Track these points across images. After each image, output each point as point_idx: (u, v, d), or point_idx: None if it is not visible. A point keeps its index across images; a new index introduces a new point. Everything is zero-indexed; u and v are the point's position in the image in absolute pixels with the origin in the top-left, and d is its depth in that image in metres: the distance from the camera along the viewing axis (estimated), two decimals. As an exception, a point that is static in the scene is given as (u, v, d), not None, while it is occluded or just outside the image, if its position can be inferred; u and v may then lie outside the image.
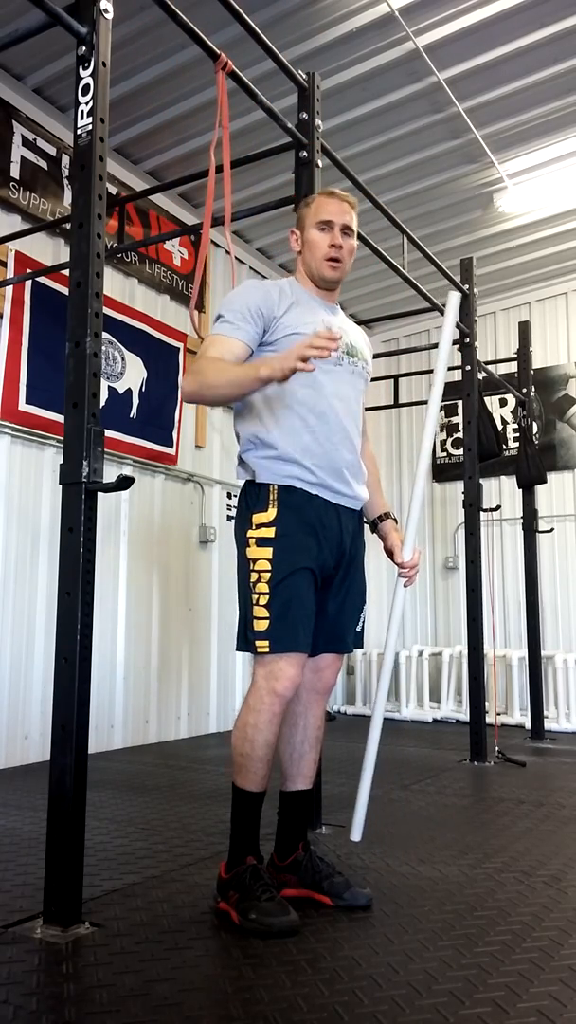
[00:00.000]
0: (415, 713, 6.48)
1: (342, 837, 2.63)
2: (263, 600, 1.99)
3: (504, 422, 7.00)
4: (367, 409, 2.40)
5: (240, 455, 2.16)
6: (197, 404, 5.33)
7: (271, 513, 2.04)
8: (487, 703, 4.68)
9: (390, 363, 7.19)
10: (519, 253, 6.44)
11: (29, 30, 2.32)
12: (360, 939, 1.86)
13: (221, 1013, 1.49)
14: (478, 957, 1.76)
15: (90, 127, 2.11)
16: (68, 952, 1.76)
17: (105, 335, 4.62)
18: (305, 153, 3.08)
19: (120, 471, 4.94)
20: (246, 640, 2.03)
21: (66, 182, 4.71)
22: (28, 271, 4.28)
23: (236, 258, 6.06)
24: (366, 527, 2.32)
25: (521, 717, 5.97)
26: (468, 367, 4.67)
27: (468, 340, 4.69)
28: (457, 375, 4.60)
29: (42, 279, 4.40)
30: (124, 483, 1.96)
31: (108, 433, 4.14)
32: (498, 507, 5.20)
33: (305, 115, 3.11)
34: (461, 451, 4.76)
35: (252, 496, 2.08)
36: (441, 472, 7.31)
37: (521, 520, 5.68)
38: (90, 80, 2.12)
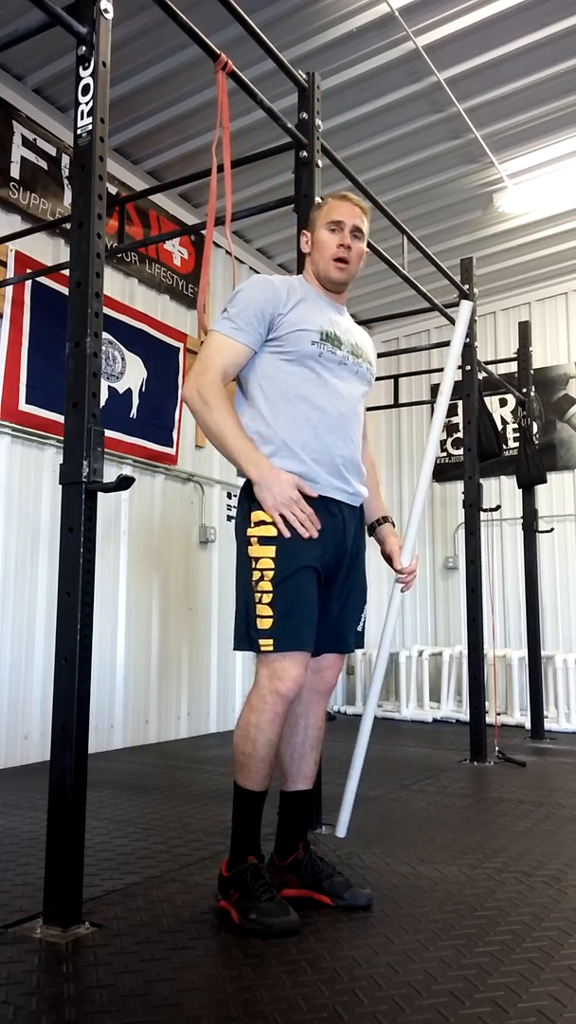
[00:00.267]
0: (415, 713, 6.48)
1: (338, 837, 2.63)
2: (267, 599, 1.98)
3: (504, 422, 7.01)
4: (366, 410, 2.40)
5: None
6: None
7: None
8: (487, 703, 4.68)
9: (390, 363, 7.20)
10: (519, 253, 6.45)
11: (29, 30, 2.32)
12: (360, 939, 1.86)
13: (221, 1013, 1.49)
14: (478, 957, 1.76)
15: (90, 127, 2.11)
16: (68, 952, 1.76)
17: (105, 335, 4.62)
18: (305, 153, 3.08)
19: (120, 471, 4.94)
20: (248, 639, 2.02)
21: (66, 182, 4.71)
22: (28, 271, 4.28)
23: (236, 258, 6.06)
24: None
25: (521, 717, 5.97)
26: (468, 367, 4.67)
27: (468, 340, 4.69)
28: (457, 375, 4.59)
29: (42, 279, 4.40)
30: (124, 483, 1.96)
31: (108, 433, 4.14)
32: (498, 507, 5.20)
33: (305, 115, 3.11)
34: (461, 451, 4.76)
35: (253, 494, 2.08)
36: (441, 472, 7.31)
37: (521, 520, 5.68)
38: (90, 80, 2.12)
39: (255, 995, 1.56)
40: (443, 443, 7.36)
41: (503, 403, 7.07)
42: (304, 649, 2.00)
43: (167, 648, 5.24)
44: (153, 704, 5.08)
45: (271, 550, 2.00)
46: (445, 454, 7.34)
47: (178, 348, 5.41)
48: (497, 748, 4.50)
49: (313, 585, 2.04)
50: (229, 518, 5.82)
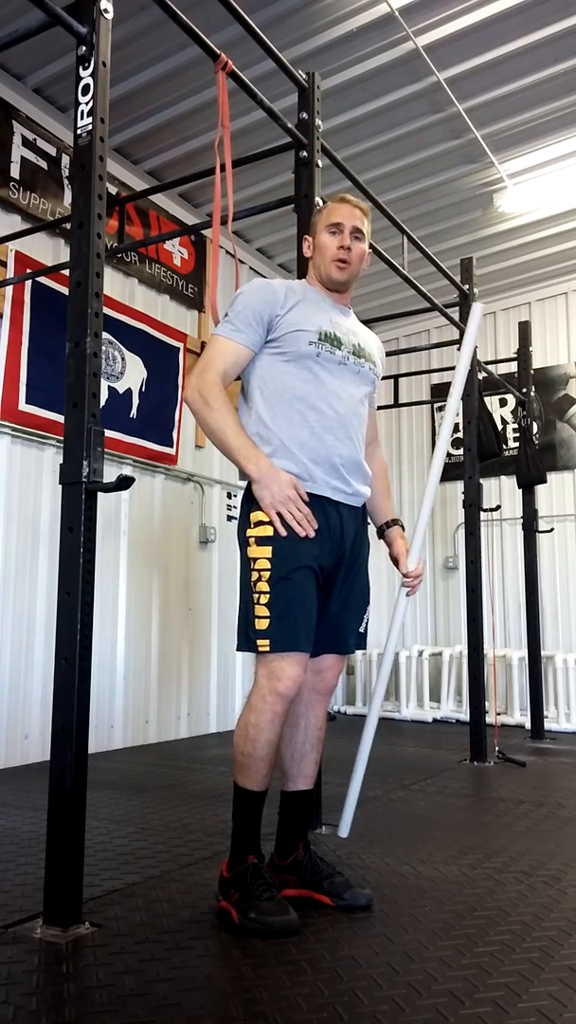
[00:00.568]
0: (415, 713, 6.48)
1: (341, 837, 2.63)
2: (264, 599, 1.99)
3: (504, 422, 7.00)
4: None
5: None
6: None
7: None
8: (487, 703, 4.68)
9: (390, 363, 7.07)
10: (519, 253, 6.44)
11: (29, 30, 2.32)
12: (360, 939, 1.86)
13: (221, 1013, 1.49)
14: (478, 957, 1.76)
15: (90, 127, 2.11)
16: (68, 952, 1.76)
17: (105, 335, 4.62)
18: (305, 153, 3.08)
19: (120, 471, 4.94)
20: (247, 639, 2.03)
21: (66, 182, 4.71)
22: (28, 271, 4.28)
23: (237, 259, 6.06)
24: (371, 528, 2.32)
25: (521, 717, 5.97)
26: (468, 367, 4.66)
27: (469, 340, 4.68)
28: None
29: (42, 279, 4.40)
30: (124, 483, 1.96)
31: (108, 433, 4.14)
32: (498, 507, 5.20)
33: (305, 115, 3.11)
34: (461, 451, 4.75)
35: (251, 495, 2.08)
36: (441, 472, 7.29)
37: (521, 520, 5.68)
38: (90, 80, 2.12)
39: (255, 995, 1.56)
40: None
41: (503, 403, 7.06)
42: (301, 650, 2.00)
43: (167, 648, 5.24)
44: (153, 704, 5.08)
45: (268, 551, 2.00)
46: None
47: (178, 348, 5.41)
48: (497, 748, 4.50)
49: (311, 585, 2.04)
50: (229, 518, 5.82)
